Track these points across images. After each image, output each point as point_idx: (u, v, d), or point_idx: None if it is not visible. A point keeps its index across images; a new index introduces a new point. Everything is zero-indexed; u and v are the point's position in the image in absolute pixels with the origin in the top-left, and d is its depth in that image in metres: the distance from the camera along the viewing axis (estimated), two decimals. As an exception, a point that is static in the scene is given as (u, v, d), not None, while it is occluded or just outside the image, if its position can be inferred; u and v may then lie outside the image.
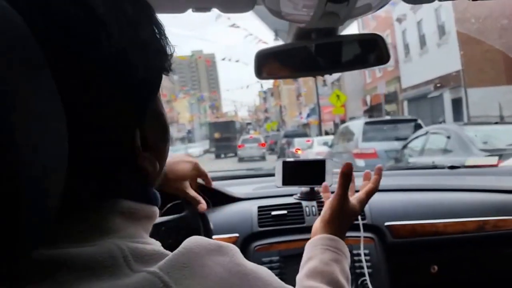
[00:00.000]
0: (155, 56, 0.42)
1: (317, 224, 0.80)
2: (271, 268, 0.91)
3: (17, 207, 0.28)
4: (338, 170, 0.90)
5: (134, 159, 0.41)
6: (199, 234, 0.76)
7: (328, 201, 0.81)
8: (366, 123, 7.74)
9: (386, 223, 1.24)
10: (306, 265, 0.73)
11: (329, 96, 27.39)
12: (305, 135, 21.59)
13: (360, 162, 7.09)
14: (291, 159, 1.25)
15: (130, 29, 0.39)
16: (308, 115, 35.46)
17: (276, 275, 0.77)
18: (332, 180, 1.16)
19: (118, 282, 0.34)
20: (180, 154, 1.12)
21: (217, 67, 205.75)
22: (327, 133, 20.87)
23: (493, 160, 1.80)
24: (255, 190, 1.46)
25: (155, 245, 0.41)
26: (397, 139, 7.43)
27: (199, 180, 1.00)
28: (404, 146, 5.89)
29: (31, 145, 0.29)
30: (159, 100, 0.46)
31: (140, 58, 0.39)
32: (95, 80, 0.36)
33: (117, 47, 0.37)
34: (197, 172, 0.96)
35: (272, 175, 1.27)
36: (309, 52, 1.01)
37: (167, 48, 0.44)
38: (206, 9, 0.87)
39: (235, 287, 0.37)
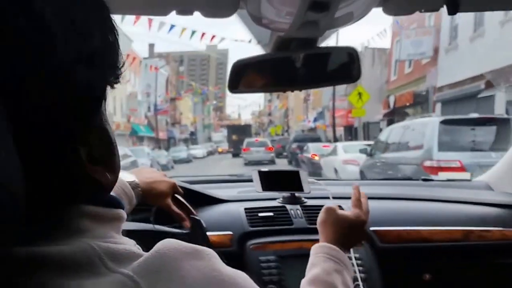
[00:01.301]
0: (101, 70, 0.39)
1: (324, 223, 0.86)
2: (269, 268, 1.12)
3: None
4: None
5: (84, 172, 0.40)
6: None
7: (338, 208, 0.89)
8: (444, 123, 5.12)
9: (372, 228, 1.24)
10: (310, 271, 0.76)
11: (340, 98, 25.29)
12: (318, 139, 19.09)
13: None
14: (266, 169, 1.28)
15: (77, 39, 0.36)
16: (315, 119, 34.20)
17: (276, 275, 1.11)
18: (309, 188, 1.22)
19: (97, 281, 0.34)
20: (158, 173, 1.00)
21: (227, 65, 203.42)
22: (336, 140, 18.53)
23: (466, 175, 1.87)
24: (239, 194, 1.47)
25: (128, 244, 0.41)
26: (497, 149, 4.80)
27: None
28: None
29: None
30: (103, 114, 0.43)
31: (85, 72, 0.36)
32: (34, 95, 0.34)
33: (60, 60, 0.34)
34: (174, 190, 0.99)
35: None
36: (288, 64, 0.97)
37: (117, 59, 0.41)
38: (189, 12, 0.88)
39: None
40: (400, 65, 18.71)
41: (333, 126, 19.08)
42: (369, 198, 1.35)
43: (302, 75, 0.98)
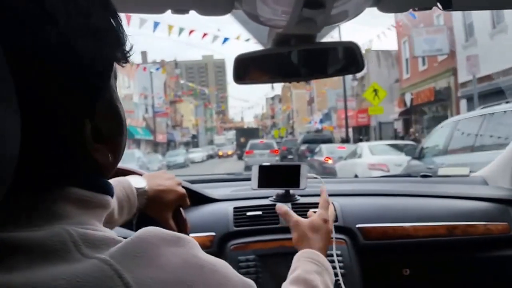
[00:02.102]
0: (106, 45, 0.41)
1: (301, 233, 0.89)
2: (247, 267, 1.12)
3: None
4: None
5: (85, 150, 0.40)
6: None
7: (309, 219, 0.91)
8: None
9: (358, 225, 1.25)
10: (291, 274, 0.77)
11: (347, 98, 23.90)
12: (330, 140, 17.45)
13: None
14: (267, 164, 1.28)
15: (79, 17, 0.38)
16: (321, 121, 33.51)
17: (252, 274, 1.07)
18: (306, 183, 1.21)
19: (69, 267, 0.33)
20: (172, 182, 0.90)
21: (226, 71, 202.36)
22: (347, 141, 17.17)
23: (465, 170, 1.85)
24: (232, 192, 1.48)
25: (108, 232, 0.40)
26: None
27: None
28: None
29: None
30: (114, 91, 0.44)
31: (88, 47, 0.38)
32: (39, 68, 0.36)
33: (63, 36, 0.36)
34: (182, 202, 0.91)
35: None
36: (288, 58, 1.03)
37: (122, 38, 0.43)
38: (185, 11, 0.89)
39: (191, 278, 0.36)
40: (412, 63, 17.70)
41: (346, 126, 17.77)
42: (358, 195, 1.41)
43: (304, 68, 1.02)
